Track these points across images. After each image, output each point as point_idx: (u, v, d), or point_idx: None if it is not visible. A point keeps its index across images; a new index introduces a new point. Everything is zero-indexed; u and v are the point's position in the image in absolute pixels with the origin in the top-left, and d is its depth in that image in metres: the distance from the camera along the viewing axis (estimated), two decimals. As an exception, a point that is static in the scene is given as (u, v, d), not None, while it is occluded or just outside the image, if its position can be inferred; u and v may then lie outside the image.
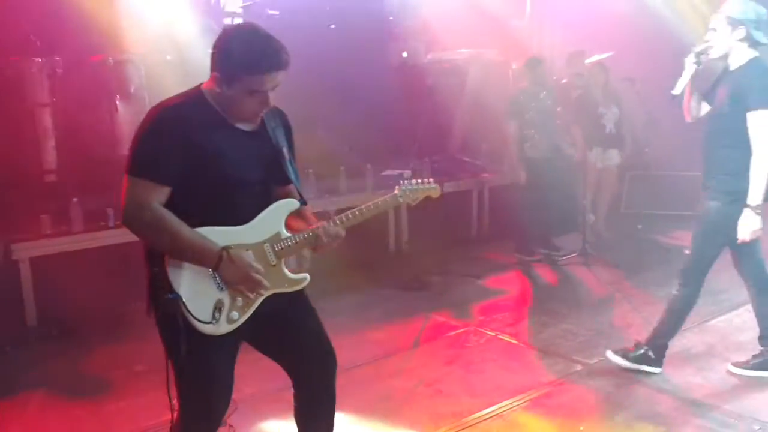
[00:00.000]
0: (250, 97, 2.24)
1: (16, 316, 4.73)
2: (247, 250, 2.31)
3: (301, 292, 2.50)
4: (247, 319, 2.34)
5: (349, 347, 4.41)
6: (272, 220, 2.39)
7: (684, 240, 7.06)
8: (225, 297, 2.29)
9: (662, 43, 8.84)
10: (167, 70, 5.57)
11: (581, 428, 3.42)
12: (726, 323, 4.76)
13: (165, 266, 2.23)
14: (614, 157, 6.94)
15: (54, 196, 5.18)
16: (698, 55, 3.72)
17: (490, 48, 8.04)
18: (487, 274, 6.03)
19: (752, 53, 3.64)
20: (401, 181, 2.60)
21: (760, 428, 3.36)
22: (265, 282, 2.31)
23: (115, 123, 5.45)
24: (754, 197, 3.59)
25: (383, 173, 6.84)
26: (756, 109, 3.53)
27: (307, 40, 6.88)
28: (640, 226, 7.14)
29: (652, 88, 7.31)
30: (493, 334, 4.63)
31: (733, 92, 3.63)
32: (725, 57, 3.69)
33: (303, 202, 2.48)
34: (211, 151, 2.23)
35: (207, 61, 2.28)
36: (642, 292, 5.50)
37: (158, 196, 2.21)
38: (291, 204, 2.44)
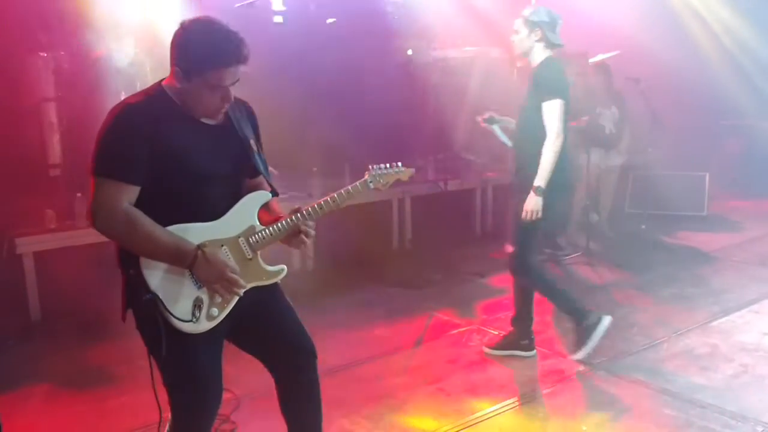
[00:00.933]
0: (210, 92, 2.20)
1: (20, 310, 4.75)
2: (222, 245, 2.29)
3: (277, 286, 2.49)
4: (227, 316, 2.33)
5: (351, 345, 4.44)
6: (245, 214, 2.37)
7: (688, 240, 7.12)
8: (203, 294, 2.27)
9: (667, 43, 8.83)
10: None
11: (583, 428, 3.42)
12: (730, 324, 4.75)
13: (140, 267, 2.21)
14: (615, 157, 6.91)
15: (59, 191, 5.19)
16: (490, 120, 4.32)
17: (494, 46, 8.02)
18: (491, 273, 6.02)
19: (548, 53, 4.00)
20: (370, 167, 2.57)
21: (763, 430, 3.35)
22: (242, 281, 2.28)
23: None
24: (540, 179, 3.87)
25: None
26: (547, 99, 3.88)
27: (311, 38, 6.89)
28: (643, 226, 7.13)
29: (656, 88, 7.31)
30: (497, 332, 4.63)
31: (530, 88, 4.00)
32: (527, 56, 4.05)
33: (274, 193, 2.46)
34: (177, 147, 2.20)
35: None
36: (645, 292, 5.50)
37: (128, 196, 2.17)
38: (263, 196, 2.42)
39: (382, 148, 7.07)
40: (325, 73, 6.66)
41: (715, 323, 4.77)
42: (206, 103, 2.24)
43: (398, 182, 2.65)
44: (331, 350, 4.10)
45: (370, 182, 2.54)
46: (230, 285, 2.26)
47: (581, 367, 4.11)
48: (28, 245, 4.78)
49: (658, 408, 3.60)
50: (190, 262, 2.20)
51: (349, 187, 2.49)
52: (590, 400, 3.72)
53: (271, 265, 2.43)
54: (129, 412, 3.57)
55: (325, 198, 2.45)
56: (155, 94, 2.26)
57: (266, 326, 2.50)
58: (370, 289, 5.65)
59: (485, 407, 3.63)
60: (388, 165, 2.59)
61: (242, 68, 2.22)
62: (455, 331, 4.73)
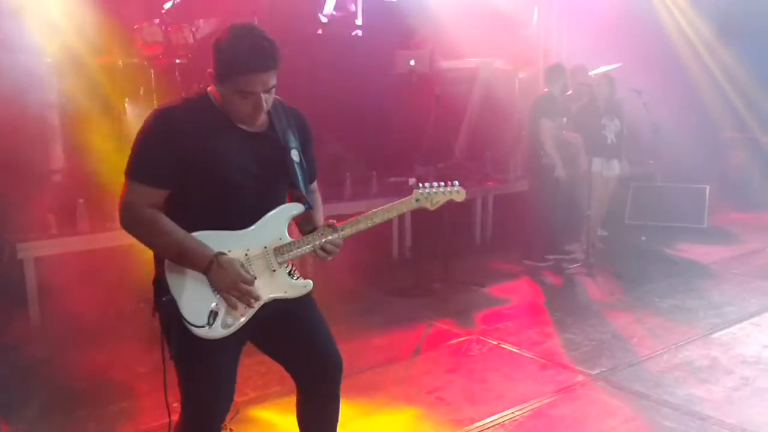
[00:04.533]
0: (240, 98, 2.20)
1: (21, 315, 4.74)
2: (246, 254, 2.28)
3: (309, 297, 2.47)
4: (252, 321, 2.31)
5: (350, 354, 4.38)
6: (275, 224, 2.33)
7: (688, 252, 7.12)
8: (220, 302, 2.26)
9: (669, 55, 8.88)
10: (176, 72, 5.59)
11: (583, 439, 3.42)
12: (730, 336, 4.74)
13: (164, 269, 2.23)
14: (615, 167, 6.90)
15: (60, 196, 5.19)
16: None
17: (497, 57, 8.06)
18: (491, 283, 6.03)
19: None
20: (420, 185, 2.47)
21: (762, 443, 3.35)
22: (255, 293, 2.26)
23: (123, 125, 5.48)
24: None
25: (388, 180, 6.87)
26: None
27: (315, 48, 6.93)
28: (643, 238, 7.13)
29: (658, 100, 7.34)
30: (496, 342, 4.63)
31: None
32: None
33: (308, 207, 2.41)
34: (206, 153, 2.21)
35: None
36: (645, 304, 5.50)
37: (152, 198, 2.22)
38: (294, 207, 2.38)
39: (383, 157, 7.10)
40: (327, 82, 6.69)
41: (715, 335, 4.76)
42: (238, 109, 2.24)
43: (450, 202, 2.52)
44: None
45: (416, 200, 2.47)
46: (242, 296, 2.25)
47: (581, 377, 4.10)
48: (29, 250, 4.78)
49: (658, 420, 3.59)
50: (206, 267, 2.21)
51: (394, 204, 2.42)
52: (590, 411, 3.71)
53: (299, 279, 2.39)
54: (128, 418, 3.57)
55: (364, 214, 2.40)
56: (195, 98, 2.30)
57: (295, 335, 2.48)
58: (369, 298, 5.65)
59: (484, 417, 3.61)
60: (442, 183, 2.51)
61: (272, 75, 2.19)
62: (454, 341, 4.73)
